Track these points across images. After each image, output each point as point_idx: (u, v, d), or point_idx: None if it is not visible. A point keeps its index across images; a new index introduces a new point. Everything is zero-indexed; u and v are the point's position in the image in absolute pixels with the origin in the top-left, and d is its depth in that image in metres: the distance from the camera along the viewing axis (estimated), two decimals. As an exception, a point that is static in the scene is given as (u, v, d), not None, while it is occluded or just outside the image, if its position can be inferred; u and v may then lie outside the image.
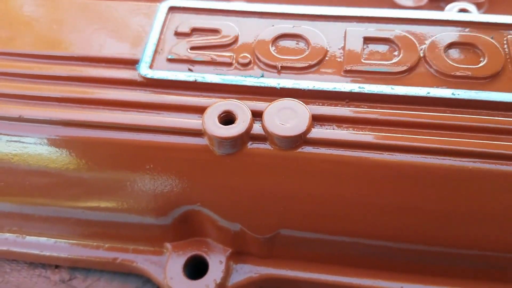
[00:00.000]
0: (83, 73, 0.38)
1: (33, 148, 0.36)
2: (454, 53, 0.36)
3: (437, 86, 0.34)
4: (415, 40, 0.37)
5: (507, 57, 0.35)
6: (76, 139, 0.36)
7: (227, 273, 0.39)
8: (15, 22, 0.42)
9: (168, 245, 0.40)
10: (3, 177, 0.38)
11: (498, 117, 0.33)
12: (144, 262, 0.41)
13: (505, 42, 0.36)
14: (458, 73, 0.35)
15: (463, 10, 0.41)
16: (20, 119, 0.36)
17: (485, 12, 0.42)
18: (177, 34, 0.39)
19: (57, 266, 0.45)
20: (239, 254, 0.40)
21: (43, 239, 0.43)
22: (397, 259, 0.38)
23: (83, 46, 0.39)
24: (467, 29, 0.37)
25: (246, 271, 0.40)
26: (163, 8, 0.41)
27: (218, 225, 0.38)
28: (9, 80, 0.38)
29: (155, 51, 0.38)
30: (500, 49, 0.36)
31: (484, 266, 0.37)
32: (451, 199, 0.33)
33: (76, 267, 0.44)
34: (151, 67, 0.37)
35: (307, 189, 0.34)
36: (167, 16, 0.40)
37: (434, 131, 0.33)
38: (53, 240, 0.42)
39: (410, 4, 0.48)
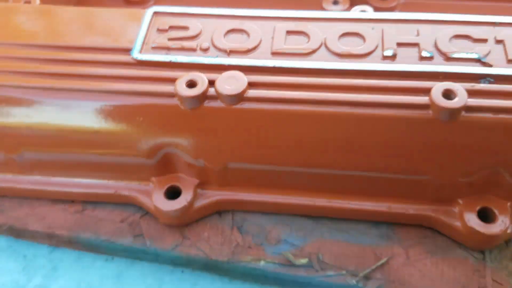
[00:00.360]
0: (92, 58, 0.55)
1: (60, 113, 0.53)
2: (345, 39, 0.53)
3: (331, 61, 0.51)
4: (320, 32, 0.54)
5: (381, 41, 0.52)
6: (89, 104, 0.53)
7: (194, 197, 0.56)
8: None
9: (153, 179, 0.57)
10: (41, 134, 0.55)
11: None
12: (136, 192, 0.58)
13: (381, 31, 0.53)
14: (344, 53, 0.52)
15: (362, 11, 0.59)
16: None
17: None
18: (159, 30, 0.56)
19: (72, 201, 0.62)
20: (203, 184, 0.57)
21: (63, 179, 0.59)
22: (322, 181, 0.55)
23: (90, 39, 0.56)
24: (357, 23, 0.54)
25: (208, 196, 0.56)
26: (149, 12, 0.58)
27: (187, 163, 0.55)
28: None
29: (143, 43, 0.55)
30: (376, 35, 0.53)
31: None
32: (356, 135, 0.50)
33: (87, 201, 0.61)
34: (140, 52, 0.54)
35: (245, 132, 0.51)
36: (152, 18, 0.57)
37: (327, 91, 0.50)
38: (69, 179, 0.59)
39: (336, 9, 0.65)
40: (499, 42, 0.50)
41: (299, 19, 0.55)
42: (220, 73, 0.51)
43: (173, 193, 0.57)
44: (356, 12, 0.57)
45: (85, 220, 0.60)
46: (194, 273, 0.59)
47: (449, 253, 0.54)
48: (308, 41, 0.53)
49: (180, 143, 0.53)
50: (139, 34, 0.56)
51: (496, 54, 0.49)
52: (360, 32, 0.53)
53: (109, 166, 0.57)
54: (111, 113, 0.53)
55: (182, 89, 0.50)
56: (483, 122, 0.46)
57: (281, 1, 0.66)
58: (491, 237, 0.51)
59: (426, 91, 0.48)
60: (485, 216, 0.52)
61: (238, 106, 0.50)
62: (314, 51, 0.52)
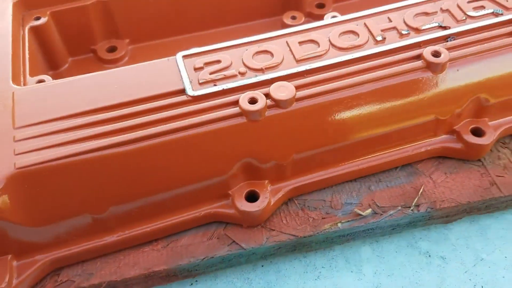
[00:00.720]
0: (155, 105, 0.62)
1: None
2: (344, 37, 0.69)
3: (342, 56, 0.67)
4: (323, 36, 0.69)
5: (369, 31, 0.69)
6: (162, 144, 0.60)
7: (271, 194, 0.66)
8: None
9: (230, 192, 0.66)
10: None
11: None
12: (217, 208, 0.67)
13: (364, 25, 0.70)
14: (349, 46, 0.68)
15: (334, 17, 0.75)
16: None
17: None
18: (196, 69, 0.66)
19: (156, 240, 0.67)
20: (271, 182, 0.68)
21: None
22: (361, 147, 0.70)
23: (142, 91, 0.64)
24: (345, 24, 0.71)
25: (278, 190, 0.68)
26: (179, 58, 0.67)
27: (259, 167, 0.65)
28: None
29: (190, 81, 0.64)
30: (364, 29, 0.70)
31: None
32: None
33: (170, 234, 0.67)
34: (193, 90, 0.64)
35: (305, 126, 0.64)
36: (183, 61, 0.67)
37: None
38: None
39: (292, 23, 0.81)
40: (444, 11, 0.71)
41: (303, 31, 0.70)
42: (266, 87, 0.63)
43: (251, 198, 0.67)
44: (337, 17, 0.73)
45: (176, 250, 0.67)
46: (273, 263, 0.70)
47: (459, 169, 0.73)
48: (319, 46, 0.68)
49: (252, 152, 0.64)
50: (183, 75, 0.65)
51: (447, 19, 0.70)
52: (352, 29, 0.69)
53: (188, 196, 0.65)
54: (192, 146, 0.61)
55: (247, 106, 0.61)
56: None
57: (249, 27, 0.80)
58: (485, 146, 0.71)
59: (418, 57, 0.66)
60: (477, 133, 0.72)
61: (293, 107, 0.63)
62: (327, 51, 0.67)
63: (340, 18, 0.72)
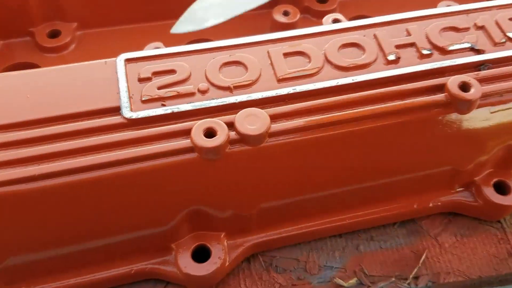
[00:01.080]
0: (76, 127, 0.46)
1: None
2: (344, 51, 0.52)
3: (340, 77, 0.50)
4: (316, 48, 0.52)
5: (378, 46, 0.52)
6: (83, 182, 0.44)
7: (226, 251, 0.50)
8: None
9: (173, 245, 0.50)
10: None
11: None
12: (155, 264, 0.51)
13: (374, 37, 0.53)
14: (350, 65, 0.51)
15: (336, 20, 0.58)
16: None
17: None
18: (141, 80, 0.49)
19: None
20: (229, 235, 0.52)
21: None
22: (348, 198, 0.54)
23: (64, 105, 0.47)
24: (348, 34, 0.53)
25: (237, 245, 0.52)
26: (119, 62, 0.50)
27: (214, 216, 0.49)
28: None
29: (129, 97, 0.47)
30: (372, 42, 0.52)
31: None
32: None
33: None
34: (131, 110, 0.47)
35: (277, 168, 0.48)
36: (126, 67, 0.50)
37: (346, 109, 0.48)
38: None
39: (284, 21, 0.64)
40: (479, 28, 0.53)
41: (291, 39, 0.52)
42: (231, 113, 0.47)
43: (200, 254, 0.51)
44: (340, 22, 0.56)
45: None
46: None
47: (474, 231, 0.57)
48: (310, 61, 0.51)
49: (205, 198, 0.48)
50: (120, 88, 0.48)
51: (482, 39, 0.53)
52: (357, 41, 0.52)
53: (116, 248, 0.49)
54: (122, 186, 0.45)
55: (201, 140, 0.44)
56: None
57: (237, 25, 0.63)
58: (509, 207, 0.55)
59: (440, 88, 0.49)
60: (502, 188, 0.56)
61: (265, 144, 0.46)
62: (320, 69, 0.50)
63: (344, 24, 0.55)
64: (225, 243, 0.51)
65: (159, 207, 0.47)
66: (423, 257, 0.55)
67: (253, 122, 0.45)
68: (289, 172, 0.48)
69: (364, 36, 0.53)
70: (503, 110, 0.50)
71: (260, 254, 0.55)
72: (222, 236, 0.51)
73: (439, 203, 0.56)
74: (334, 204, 0.53)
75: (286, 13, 0.70)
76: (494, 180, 0.56)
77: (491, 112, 0.50)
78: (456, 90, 0.48)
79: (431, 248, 0.56)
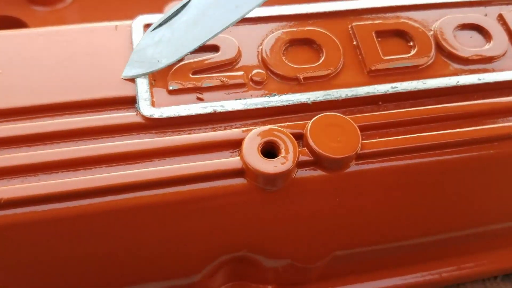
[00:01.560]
0: (68, 126, 0.30)
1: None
2: (462, 35, 0.36)
3: (462, 74, 0.34)
4: (422, 27, 0.36)
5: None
6: (84, 210, 0.29)
7: (274, 312, 0.36)
8: None
9: None
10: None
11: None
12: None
13: (498, 17, 0.37)
14: (474, 57, 0.35)
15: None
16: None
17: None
18: (167, 57, 0.33)
19: None
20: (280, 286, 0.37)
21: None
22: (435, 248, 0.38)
23: (54, 91, 0.31)
24: (464, 9, 0.37)
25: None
26: (137, 27, 0.34)
27: (261, 266, 0.34)
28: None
29: (150, 84, 0.32)
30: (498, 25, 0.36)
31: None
32: None
33: None
34: (153, 104, 0.31)
35: (363, 205, 0.32)
36: (145, 36, 0.34)
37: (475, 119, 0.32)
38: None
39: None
40: None
41: (384, 10, 0.36)
42: (301, 119, 0.31)
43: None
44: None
45: None
46: None
47: None
48: (413, 45, 0.34)
49: (255, 242, 0.32)
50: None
51: None
52: (475, 21, 0.36)
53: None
54: (131, 220, 0.30)
55: (256, 160, 0.29)
56: None
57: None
58: None
59: None
60: None
61: (350, 170, 0.31)
62: (429, 60, 0.34)
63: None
64: None
65: (188, 251, 0.32)
66: (535, 323, 0.41)
67: (334, 135, 0.30)
68: (381, 209, 0.33)
69: (486, 15, 0.37)
70: None
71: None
72: None
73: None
74: (423, 252, 0.38)
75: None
76: None
77: None
78: None
79: None
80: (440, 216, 0.35)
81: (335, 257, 0.35)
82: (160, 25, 0.32)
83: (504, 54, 0.35)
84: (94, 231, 0.29)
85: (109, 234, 0.30)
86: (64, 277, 0.31)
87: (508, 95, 0.34)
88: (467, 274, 0.40)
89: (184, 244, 0.32)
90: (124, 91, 0.32)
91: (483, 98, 0.33)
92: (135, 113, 0.31)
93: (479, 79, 0.33)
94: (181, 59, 0.32)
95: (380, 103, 0.33)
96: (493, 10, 0.37)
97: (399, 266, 0.38)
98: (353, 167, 0.30)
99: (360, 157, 0.30)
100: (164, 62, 0.31)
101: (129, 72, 0.31)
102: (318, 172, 0.30)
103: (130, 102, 0.31)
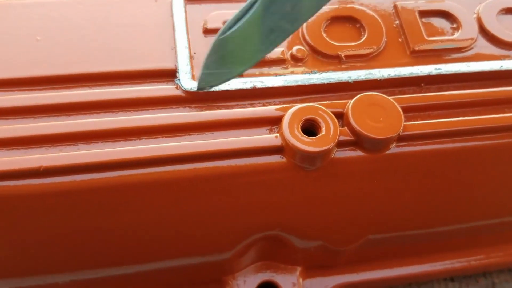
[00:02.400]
0: (108, 96, 0.30)
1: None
2: (505, 19, 0.35)
3: (505, 58, 0.33)
4: (466, 9, 0.35)
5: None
6: (124, 181, 0.29)
7: (302, 292, 0.36)
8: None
9: (229, 280, 0.35)
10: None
11: None
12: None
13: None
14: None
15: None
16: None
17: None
18: (207, 31, 0.33)
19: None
20: (308, 269, 0.37)
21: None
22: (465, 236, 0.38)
23: (97, 61, 0.31)
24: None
25: (319, 284, 0.37)
26: (177, 0, 0.34)
27: (293, 246, 0.34)
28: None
29: (190, 57, 0.31)
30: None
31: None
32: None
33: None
34: (193, 78, 0.31)
35: (402, 188, 0.32)
36: (186, 9, 0.33)
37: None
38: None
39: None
40: None
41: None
42: (342, 98, 0.31)
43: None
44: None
45: None
46: None
47: None
48: (458, 27, 0.34)
49: (290, 222, 0.32)
50: (177, 42, 0.32)
51: None
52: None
53: (157, 277, 0.35)
54: (166, 193, 0.30)
55: (297, 138, 0.29)
56: None
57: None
58: None
59: None
60: None
61: (390, 151, 0.30)
62: (473, 42, 0.33)
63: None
64: (301, 282, 0.36)
65: (222, 227, 0.32)
66: None
67: (376, 115, 0.29)
68: (420, 193, 0.32)
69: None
70: None
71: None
72: (298, 272, 0.36)
73: None
74: (452, 240, 0.38)
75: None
76: None
77: None
78: None
79: None
80: (477, 204, 0.35)
81: (370, 241, 0.34)
82: (229, 27, 0.29)
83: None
84: (133, 202, 0.29)
85: (147, 206, 0.30)
86: (103, 246, 0.31)
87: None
88: (496, 262, 0.40)
89: (219, 220, 0.31)
90: (164, 63, 0.31)
91: (527, 84, 0.33)
92: (175, 86, 0.31)
93: (525, 64, 0.33)
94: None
95: (422, 84, 0.32)
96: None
97: (428, 253, 0.38)
98: (394, 149, 0.30)
99: (401, 139, 0.30)
100: (239, 69, 0.29)
101: (202, 84, 0.30)
102: (358, 153, 0.30)
103: (170, 74, 0.31)
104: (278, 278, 0.35)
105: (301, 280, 0.36)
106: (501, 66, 0.32)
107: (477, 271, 0.41)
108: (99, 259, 0.32)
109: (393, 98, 0.30)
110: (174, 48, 0.32)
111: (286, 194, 0.31)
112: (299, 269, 0.36)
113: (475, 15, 0.35)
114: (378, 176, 0.31)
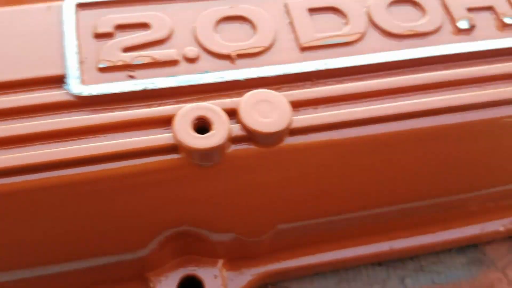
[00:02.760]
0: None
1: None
2: (397, 10, 0.37)
3: (390, 49, 0.35)
4: (356, 4, 0.36)
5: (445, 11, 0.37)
6: (19, 187, 0.28)
7: (224, 285, 0.36)
8: None
9: (150, 276, 0.35)
10: None
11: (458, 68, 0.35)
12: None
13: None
14: (405, 32, 0.35)
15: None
16: None
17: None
18: (98, 36, 0.32)
19: None
20: (230, 261, 0.37)
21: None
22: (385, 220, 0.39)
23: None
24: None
25: (241, 275, 0.37)
26: (68, 6, 0.33)
27: (208, 240, 0.34)
28: None
29: (80, 62, 0.31)
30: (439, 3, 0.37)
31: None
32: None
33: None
34: (83, 82, 0.31)
35: (299, 179, 0.33)
36: (77, 15, 0.33)
37: (408, 93, 0.33)
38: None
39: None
40: None
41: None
42: (235, 95, 0.31)
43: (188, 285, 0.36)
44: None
45: None
46: None
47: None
48: (347, 21, 0.35)
49: (195, 217, 0.33)
50: (66, 48, 0.32)
51: None
52: (413, -2, 0.37)
53: (78, 277, 0.34)
54: (62, 200, 0.29)
55: (189, 136, 0.29)
56: None
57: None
58: None
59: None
60: None
61: (283, 144, 0.31)
62: (362, 36, 0.35)
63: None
64: (224, 274, 0.36)
65: (132, 226, 0.32)
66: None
67: (266, 111, 0.30)
68: (315, 183, 0.33)
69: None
70: None
71: (272, 286, 0.40)
72: (220, 264, 0.36)
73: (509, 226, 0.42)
74: (372, 225, 0.39)
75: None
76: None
77: None
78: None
79: (496, 285, 0.42)
80: (376, 190, 0.36)
81: (281, 230, 0.35)
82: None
83: (438, 30, 0.36)
84: (29, 208, 0.29)
85: (48, 211, 0.29)
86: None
87: (435, 70, 0.34)
88: (421, 246, 0.41)
89: (127, 219, 0.32)
90: (54, 69, 0.31)
91: (415, 73, 0.34)
92: (65, 91, 0.30)
93: (411, 55, 0.34)
94: (111, 36, 0.32)
95: (313, 79, 0.33)
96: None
97: (351, 238, 0.39)
98: (287, 141, 0.31)
99: (293, 132, 0.31)
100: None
101: None
102: (252, 147, 0.31)
103: (59, 80, 0.31)
104: (200, 271, 0.36)
105: (224, 271, 0.36)
106: (389, 58, 0.34)
107: (403, 255, 0.42)
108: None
109: (283, 94, 0.31)
110: (63, 54, 0.31)
111: (187, 191, 0.31)
112: (221, 261, 0.36)
113: (365, 9, 0.36)
114: (274, 168, 0.32)
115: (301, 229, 0.37)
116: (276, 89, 0.32)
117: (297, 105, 0.32)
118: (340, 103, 0.33)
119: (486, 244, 0.43)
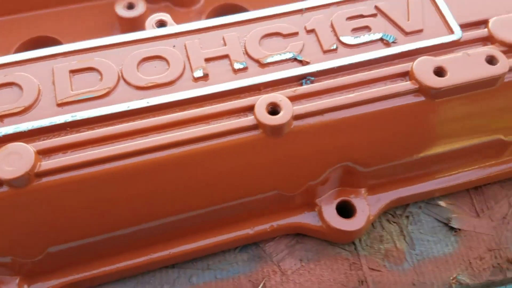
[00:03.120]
0: None
1: None
2: (146, 66, 0.44)
3: (135, 99, 0.42)
4: (112, 64, 0.44)
5: (187, 60, 0.45)
6: None
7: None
8: None
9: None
10: None
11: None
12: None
13: (184, 47, 0.45)
14: (148, 84, 0.43)
15: (161, 22, 0.49)
16: None
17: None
18: None
19: None
20: (29, 278, 0.45)
21: None
22: (174, 228, 0.47)
23: None
24: (155, 43, 0.45)
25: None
26: None
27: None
28: None
29: None
30: (180, 54, 0.45)
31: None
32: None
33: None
34: None
35: (56, 212, 0.41)
36: None
37: (141, 135, 0.41)
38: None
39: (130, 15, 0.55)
40: (310, 32, 0.46)
41: (82, 51, 0.44)
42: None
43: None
44: (151, 29, 0.47)
45: None
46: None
47: (322, 254, 0.51)
48: (101, 78, 0.43)
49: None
50: None
51: (310, 47, 0.45)
52: (161, 53, 0.44)
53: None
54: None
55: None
56: (312, 127, 0.43)
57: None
58: (354, 232, 0.49)
59: (250, 109, 0.42)
60: (345, 209, 0.50)
61: (33, 184, 0.39)
62: (111, 90, 0.43)
63: (157, 31, 0.46)
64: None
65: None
66: (260, 286, 0.49)
67: (13, 162, 0.38)
68: (87, 210, 0.42)
69: (174, 46, 0.45)
70: (325, 129, 0.43)
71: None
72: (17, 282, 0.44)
73: (279, 225, 0.50)
74: (160, 234, 0.47)
75: (130, 6, 0.60)
76: (339, 200, 0.49)
77: (312, 134, 0.43)
78: (262, 114, 0.41)
79: (271, 276, 0.50)
80: (157, 202, 0.44)
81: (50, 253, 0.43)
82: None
83: (177, 79, 0.43)
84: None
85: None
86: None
87: (174, 113, 0.42)
88: (205, 247, 0.49)
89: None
90: None
91: (158, 116, 0.42)
92: None
93: (148, 103, 0.42)
94: None
95: (68, 129, 0.41)
96: (180, 41, 0.46)
97: (145, 246, 0.47)
98: (36, 183, 0.39)
99: (38, 175, 0.39)
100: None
101: None
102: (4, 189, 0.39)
103: None
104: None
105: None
106: (128, 107, 0.42)
107: (191, 257, 0.49)
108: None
109: (34, 144, 0.39)
110: None
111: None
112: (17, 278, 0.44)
113: (120, 67, 0.44)
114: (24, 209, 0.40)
115: (90, 245, 0.45)
116: (32, 141, 0.40)
117: (49, 152, 0.40)
118: (87, 147, 0.40)
119: (266, 242, 0.51)
